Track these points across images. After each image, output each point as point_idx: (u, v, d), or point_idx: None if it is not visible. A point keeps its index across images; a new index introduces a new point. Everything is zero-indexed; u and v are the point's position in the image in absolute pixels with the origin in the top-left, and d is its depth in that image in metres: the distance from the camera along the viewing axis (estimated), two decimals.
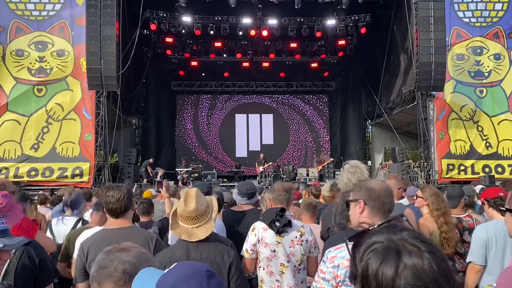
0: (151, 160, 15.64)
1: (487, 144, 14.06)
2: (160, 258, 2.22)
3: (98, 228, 2.78)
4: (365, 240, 0.91)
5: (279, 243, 2.89)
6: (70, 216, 4.26)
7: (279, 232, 2.86)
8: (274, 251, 2.89)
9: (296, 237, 2.89)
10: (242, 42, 18.31)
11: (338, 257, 1.79)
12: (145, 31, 17.07)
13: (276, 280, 2.90)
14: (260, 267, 2.97)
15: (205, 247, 2.24)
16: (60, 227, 4.06)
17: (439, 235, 3.58)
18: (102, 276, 1.34)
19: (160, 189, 5.80)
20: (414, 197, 4.98)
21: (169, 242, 4.13)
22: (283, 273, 2.88)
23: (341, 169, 3.10)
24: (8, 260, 1.98)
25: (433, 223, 3.65)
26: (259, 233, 2.94)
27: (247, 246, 2.97)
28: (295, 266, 2.89)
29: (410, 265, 0.82)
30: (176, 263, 1.18)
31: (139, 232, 2.69)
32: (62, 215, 4.23)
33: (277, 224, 2.85)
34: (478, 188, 7.36)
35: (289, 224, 2.87)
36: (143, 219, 4.44)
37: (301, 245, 2.90)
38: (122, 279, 1.33)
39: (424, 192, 3.89)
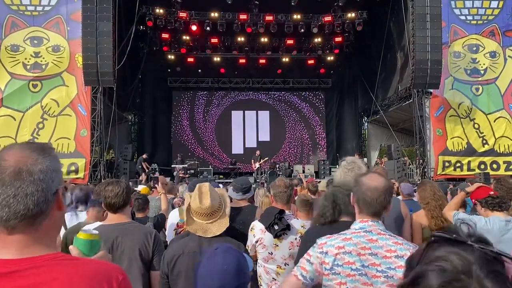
0: (144, 156, 15.47)
1: (484, 141, 14.12)
2: (174, 249, 2.30)
3: (96, 224, 2.76)
4: (437, 247, 0.75)
5: (277, 246, 2.88)
6: (83, 212, 4.19)
7: (277, 235, 2.85)
8: (271, 253, 2.89)
9: (296, 239, 2.86)
10: (239, 39, 18.26)
11: (328, 245, 1.81)
12: (141, 27, 16.99)
13: (273, 278, 2.91)
14: (259, 264, 2.99)
15: (216, 241, 2.26)
16: (75, 222, 4.01)
17: (429, 230, 3.65)
18: None
19: (156, 185, 5.75)
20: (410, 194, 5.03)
21: (166, 239, 4.12)
22: (279, 274, 2.89)
23: (337, 166, 3.12)
24: None
25: (425, 218, 3.70)
26: (257, 235, 2.94)
27: (247, 243, 2.99)
28: None
29: None
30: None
31: (138, 227, 2.67)
32: (75, 210, 4.18)
33: (276, 227, 2.82)
34: None
35: (287, 228, 2.84)
36: (138, 215, 4.41)
37: None
38: None
39: (418, 188, 3.98)
